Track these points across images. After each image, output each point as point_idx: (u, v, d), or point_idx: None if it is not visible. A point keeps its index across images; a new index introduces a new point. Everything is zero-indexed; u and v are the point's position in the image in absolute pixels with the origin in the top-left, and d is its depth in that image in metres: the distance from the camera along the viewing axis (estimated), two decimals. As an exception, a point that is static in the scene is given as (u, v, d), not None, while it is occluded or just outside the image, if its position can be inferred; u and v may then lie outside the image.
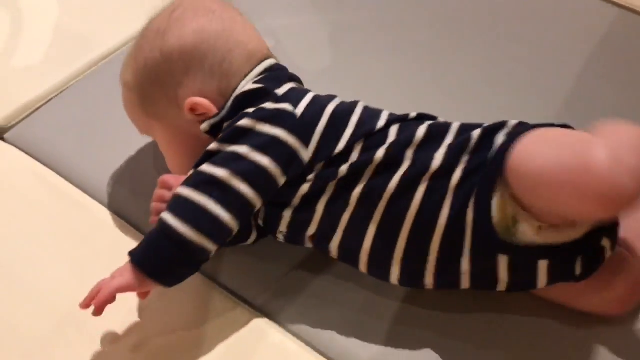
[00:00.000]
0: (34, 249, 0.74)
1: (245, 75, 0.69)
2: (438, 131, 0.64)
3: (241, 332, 0.67)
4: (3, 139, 0.87)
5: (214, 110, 0.68)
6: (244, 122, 0.64)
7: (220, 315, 0.68)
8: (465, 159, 0.61)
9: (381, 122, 0.66)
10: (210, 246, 0.62)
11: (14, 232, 0.76)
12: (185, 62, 0.68)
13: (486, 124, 0.65)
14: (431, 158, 0.62)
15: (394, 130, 0.65)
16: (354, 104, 0.69)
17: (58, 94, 0.92)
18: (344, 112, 0.67)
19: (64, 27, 1.00)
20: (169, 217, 0.61)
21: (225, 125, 0.67)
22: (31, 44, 0.97)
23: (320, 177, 0.64)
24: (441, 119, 0.70)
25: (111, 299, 0.60)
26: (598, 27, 1.03)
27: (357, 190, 0.63)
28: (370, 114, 0.68)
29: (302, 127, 0.65)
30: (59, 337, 0.67)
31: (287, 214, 0.66)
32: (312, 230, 0.66)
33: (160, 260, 0.61)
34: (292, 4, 1.05)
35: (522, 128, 0.62)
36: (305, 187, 0.65)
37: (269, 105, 0.65)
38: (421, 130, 0.64)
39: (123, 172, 0.80)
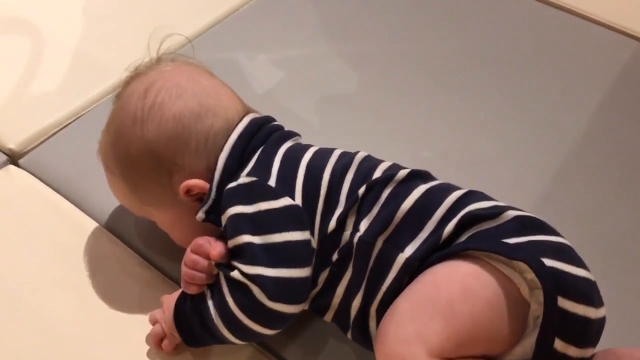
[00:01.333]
0: (42, 277, 0.74)
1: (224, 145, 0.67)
2: (416, 217, 0.61)
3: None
4: (17, 165, 0.87)
5: (208, 187, 0.66)
6: (257, 239, 0.61)
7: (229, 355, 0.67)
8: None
9: (363, 189, 0.63)
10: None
11: (23, 258, 0.75)
12: (171, 150, 0.66)
13: (471, 209, 0.61)
14: (395, 256, 0.60)
15: (383, 197, 0.63)
16: (347, 165, 0.66)
17: (73, 121, 0.92)
18: (336, 182, 0.64)
19: (82, 55, 1.01)
20: (222, 327, 0.61)
21: (223, 218, 0.63)
22: (49, 71, 0.98)
23: (315, 267, 0.63)
24: (441, 169, 0.69)
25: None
26: (617, 60, 1.02)
27: (343, 284, 0.63)
28: (363, 174, 0.65)
29: (307, 217, 0.63)
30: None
31: None
32: (306, 306, 0.66)
33: (199, 339, 0.65)
34: (306, 35, 1.06)
35: (468, 244, 0.58)
36: None
37: (269, 204, 0.62)
38: (405, 205, 0.61)
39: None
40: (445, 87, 0.98)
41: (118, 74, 0.96)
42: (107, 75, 0.97)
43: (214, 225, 0.65)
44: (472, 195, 0.63)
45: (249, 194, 0.63)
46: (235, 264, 0.61)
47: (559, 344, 0.54)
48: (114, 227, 0.79)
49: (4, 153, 0.88)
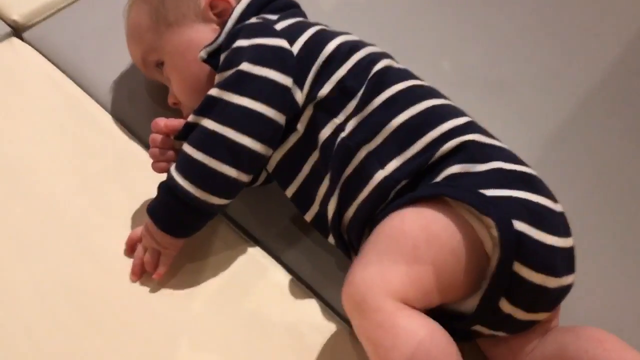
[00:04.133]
0: (42, 156, 0.72)
1: None
2: (406, 135, 0.59)
3: (243, 267, 0.66)
4: (21, 38, 0.84)
5: (234, 5, 0.68)
6: (244, 66, 0.61)
7: (224, 247, 0.67)
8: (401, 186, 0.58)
9: (367, 77, 0.61)
10: (223, 202, 0.62)
11: (22, 135, 0.74)
12: None
13: (466, 139, 0.58)
14: (374, 172, 0.59)
15: (380, 99, 0.60)
16: (359, 46, 0.64)
17: (81, -2, 0.88)
18: (342, 53, 0.63)
19: None
20: (178, 177, 0.60)
21: (222, 56, 0.64)
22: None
23: (307, 134, 0.62)
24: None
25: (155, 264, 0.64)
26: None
27: (325, 184, 0.62)
28: (372, 59, 0.63)
29: (298, 66, 0.62)
30: (60, 247, 0.66)
31: (271, 164, 0.65)
32: (292, 189, 0.65)
33: (176, 219, 0.62)
34: None
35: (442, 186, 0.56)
36: (292, 140, 0.63)
37: (264, 40, 0.62)
38: (399, 119, 0.59)
39: (140, 86, 0.77)
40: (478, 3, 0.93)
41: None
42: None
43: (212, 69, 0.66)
44: (471, 126, 0.60)
45: (250, 31, 0.64)
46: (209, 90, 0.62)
47: (506, 305, 0.53)
48: (117, 110, 0.77)
49: (8, 24, 0.84)
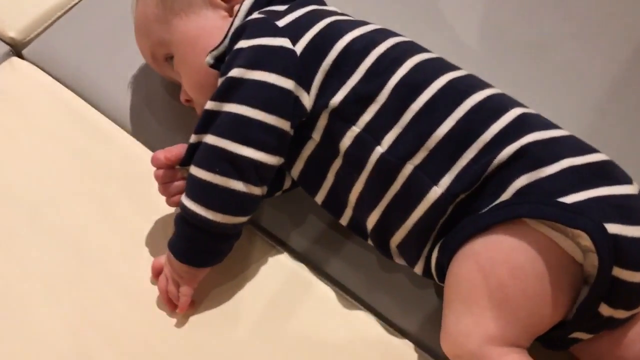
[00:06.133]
0: (54, 180, 0.68)
1: None
2: (455, 143, 0.53)
3: (285, 284, 0.61)
4: (21, 56, 0.79)
5: None
6: (234, 72, 0.56)
7: (262, 264, 0.62)
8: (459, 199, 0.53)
9: (393, 81, 0.55)
10: (240, 219, 0.58)
11: (33, 162, 0.70)
12: None
13: (525, 142, 0.52)
14: (428, 189, 0.53)
15: (418, 104, 0.54)
16: (380, 39, 0.58)
17: (78, 2, 0.82)
18: (357, 50, 0.57)
19: None
20: (189, 203, 0.56)
21: (226, 58, 0.59)
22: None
23: (324, 143, 0.57)
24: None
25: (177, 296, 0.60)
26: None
27: (354, 193, 0.57)
28: (398, 54, 0.57)
29: (302, 67, 0.57)
30: (87, 281, 0.62)
31: (294, 173, 0.60)
32: (320, 197, 0.60)
33: (196, 248, 0.58)
34: None
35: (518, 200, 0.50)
36: (309, 148, 0.58)
37: (262, 41, 0.57)
38: (444, 128, 0.53)
39: (154, 94, 0.72)
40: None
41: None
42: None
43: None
44: (525, 121, 0.54)
45: (250, 30, 0.59)
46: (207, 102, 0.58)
47: (606, 309, 0.50)
48: (131, 124, 0.72)
49: (6, 43, 0.79)
